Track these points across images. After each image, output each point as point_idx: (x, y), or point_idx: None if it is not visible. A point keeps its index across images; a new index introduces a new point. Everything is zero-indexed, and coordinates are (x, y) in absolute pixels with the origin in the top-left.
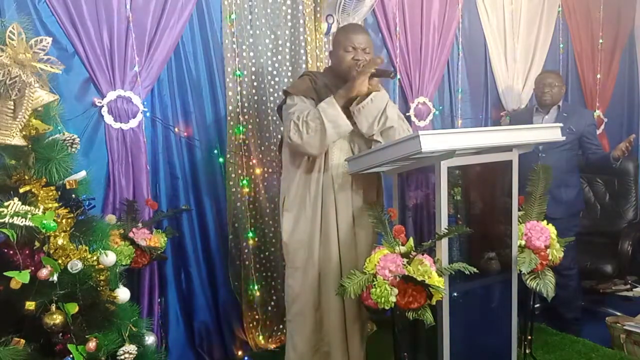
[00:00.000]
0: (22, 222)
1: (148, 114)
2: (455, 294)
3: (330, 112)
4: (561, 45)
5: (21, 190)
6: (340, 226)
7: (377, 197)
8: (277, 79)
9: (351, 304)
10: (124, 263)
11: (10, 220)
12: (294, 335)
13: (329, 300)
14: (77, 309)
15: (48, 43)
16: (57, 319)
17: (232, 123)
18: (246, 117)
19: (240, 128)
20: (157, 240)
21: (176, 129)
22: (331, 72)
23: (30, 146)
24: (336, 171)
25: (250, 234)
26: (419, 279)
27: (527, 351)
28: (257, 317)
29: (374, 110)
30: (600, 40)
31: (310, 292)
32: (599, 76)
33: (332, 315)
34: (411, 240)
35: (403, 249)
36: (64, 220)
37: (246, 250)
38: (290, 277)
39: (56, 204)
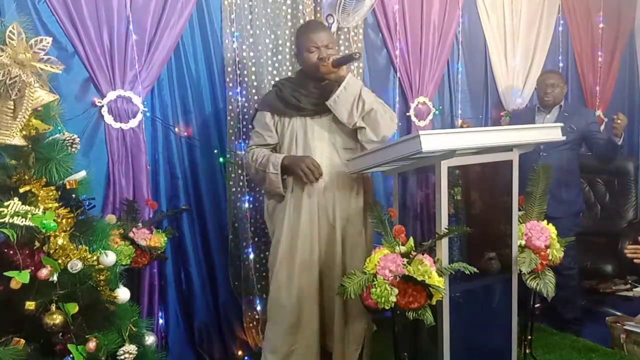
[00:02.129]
0: (22, 222)
1: (148, 114)
2: (455, 294)
3: (272, 177)
4: (561, 46)
5: (21, 190)
6: (321, 229)
7: (365, 194)
8: (277, 79)
9: (341, 307)
10: (124, 263)
11: (10, 220)
12: (270, 337)
13: (306, 304)
14: (77, 309)
15: (48, 43)
16: (57, 319)
17: (232, 123)
18: (246, 117)
19: (240, 128)
20: (157, 240)
21: (176, 129)
22: (302, 73)
23: (30, 146)
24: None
25: (250, 234)
26: (419, 278)
27: (527, 351)
28: (257, 317)
29: (350, 97)
30: (600, 40)
31: (282, 293)
32: (599, 76)
33: (306, 318)
34: (411, 240)
35: (403, 248)
36: (64, 220)
37: (246, 250)
38: (271, 278)
39: (56, 204)
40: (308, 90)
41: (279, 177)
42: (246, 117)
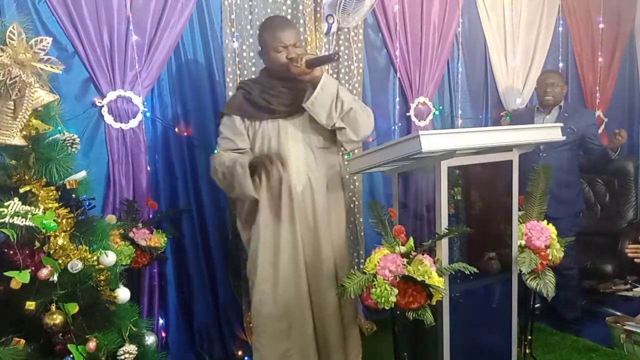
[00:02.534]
0: (22, 222)
1: (148, 114)
2: (455, 294)
3: (240, 179)
4: (561, 46)
5: (21, 190)
6: (303, 235)
7: (343, 192)
8: None
9: (334, 311)
10: (124, 263)
11: (11, 220)
12: (257, 348)
13: (295, 310)
14: (77, 309)
15: (48, 43)
16: (57, 319)
17: None
18: None
19: None
20: (157, 240)
21: (176, 129)
22: (267, 71)
23: (30, 146)
24: (297, 177)
25: None
26: (419, 279)
27: (527, 351)
28: None
29: (328, 98)
30: (600, 40)
31: (267, 303)
32: (599, 76)
33: (298, 324)
34: (411, 240)
35: (403, 249)
36: (64, 220)
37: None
38: (252, 288)
39: (56, 204)
40: (277, 90)
41: (248, 177)
42: None
